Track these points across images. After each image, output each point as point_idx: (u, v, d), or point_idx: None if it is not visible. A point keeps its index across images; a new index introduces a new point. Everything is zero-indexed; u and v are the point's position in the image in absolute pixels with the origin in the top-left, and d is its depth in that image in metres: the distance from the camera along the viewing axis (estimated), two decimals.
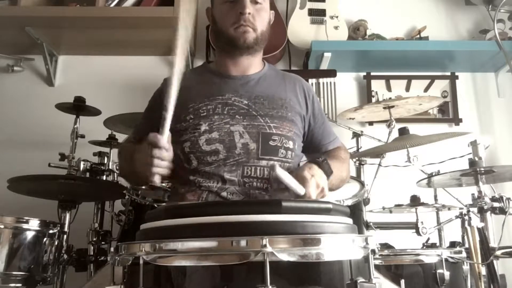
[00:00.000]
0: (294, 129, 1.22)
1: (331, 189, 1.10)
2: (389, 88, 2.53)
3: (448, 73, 2.54)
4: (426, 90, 2.53)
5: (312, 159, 1.11)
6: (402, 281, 1.39)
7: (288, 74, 1.36)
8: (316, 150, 1.31)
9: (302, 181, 1.00)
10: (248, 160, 1.14)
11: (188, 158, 1.15)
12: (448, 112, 2.49)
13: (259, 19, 1.21)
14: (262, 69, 1.31)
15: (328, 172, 1.07)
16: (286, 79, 1.32)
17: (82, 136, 1.96)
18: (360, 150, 2.09)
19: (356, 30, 2.46)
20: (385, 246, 1.63)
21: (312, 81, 2.43)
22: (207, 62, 1.43)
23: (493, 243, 1.60)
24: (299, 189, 0.98)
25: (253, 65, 1.28)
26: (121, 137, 1.99)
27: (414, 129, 1.81)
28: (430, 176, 1.76)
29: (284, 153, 1.17)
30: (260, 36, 1.22)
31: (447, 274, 1.43)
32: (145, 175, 1.03)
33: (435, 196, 1.91)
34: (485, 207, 1.63)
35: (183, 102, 1.21)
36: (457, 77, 2.52)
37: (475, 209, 1.66)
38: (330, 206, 0.78)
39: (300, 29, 2.40)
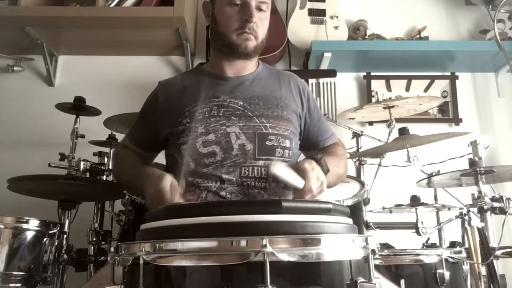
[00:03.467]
0: (290, 127, 1.22)
1: (328, 186, 1.10)
2: (389, 88, 2.53)
3: (448, 73, 2.54)
4: (426, 90, 2.53)
5: (309, 156, 1.12)
6: (402, 281, 1.39)
7: (283, 72, 1.36)
8: (313, 147, 1.31)
9: (303, 173, 1.01)
10: (245, 160, 1.14)
11: (186, 161, 1.15)
12: (448, 112, 2.49)
13: (262, 27, 1.21)
14: (256, 69, 1.31)
15: (325, 170, 1.08)
16: (281, 77, 1.32)
17: (82, 136, 1.96)
18: (360, 150, 2.09)
19: (356, 30, 2.46)
20: (385, 246, 1.63)
21: (312, 81, 2.43)
22: (201, 64, 1.42)
23: (493, 243, 1.60)
24: (298, 182, 0.99)
25: (248, 66, 1.28)
26: (121, 137, 1.99)
27: (414, 129, 1.80)
28: (430, 176, 1.76)
29: (281, 152, 1.17)
30: (260, 44, 1.23)
31: (447, 274, 1.42)
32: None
33: (435, 196, 1.91)
34: (485, 207, 1.63)
35: (179, 105, 1.22)
36: (457, 77, 2.52)
37: (475, 209, 1.66)
38: (330, 206, 0.78)
39: (300, 29, 2.40)
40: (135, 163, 1.25)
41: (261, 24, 1.21)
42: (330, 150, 1.29)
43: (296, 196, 1.06)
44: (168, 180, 1.01)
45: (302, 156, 1.32)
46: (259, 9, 1.20)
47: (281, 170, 0.97)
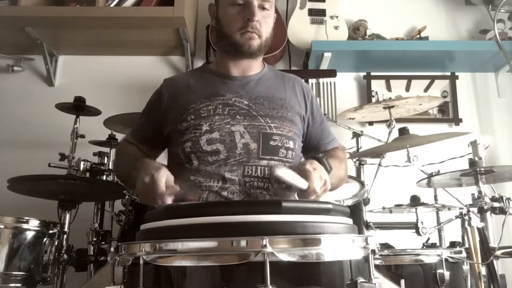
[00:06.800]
0: (294, 129, 1.22)
1: (330, 189, 1.10)
2: (389, 88, 2.53)
3: (448, 73, 2.54)
4: (426, 90, 2.53)
5: (311, 155, 1.11)
6: (402, 281, 1.39)
7: (287, 75, 1.37)
8: (314, 150, 1.31)
9: (305, 174, 1.00)
10: (249, 160, 1.14)
11: (189, 158, 1.15)
12: (448, 112, 2.49)
13: (265, 25, 1.21)
14: (261, 70, 1.31)
15: (328, 168, 1.08)
16: (286, 80, 1.33)
17: (82, 136, 1.96)
18: (360, 150, 2.09)
19: (356, 30, 2.46)
20: (385, 246, 1.63)
21: (312, 81, 2.43)
22: (207, 63, 1.43)
23: (493, 243, 1.60)
24: (302, 184, 0.99)
25: (253, 66, 1.28)
26: (121, 137, 1.99)
27: (414, 129, 1.81)
28: (430, 176, 1.76)
29: (284, 153, 1.17)
30: (265, 42, 1.22)
31: (447, 274, 1.43)
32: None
33: (435, 196, 1.91)
34: (485, 207, 1.63)
35: (184, 102, 1.21)
36: (457, 77, 2.52)
37: (475, 209, 1.66)
38: (330, 206, 0.78)
39: (300, 29, 2.40)
40: (134, 156, 1.24)
41: (264, 23, 1.20)
42: (331, 153, 1.30)
43: (300, 198, 1.05)
44: (164, 173, 0.98)
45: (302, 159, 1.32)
46: (262, 7, 1.20)
47: (284, 172, 0.97)
